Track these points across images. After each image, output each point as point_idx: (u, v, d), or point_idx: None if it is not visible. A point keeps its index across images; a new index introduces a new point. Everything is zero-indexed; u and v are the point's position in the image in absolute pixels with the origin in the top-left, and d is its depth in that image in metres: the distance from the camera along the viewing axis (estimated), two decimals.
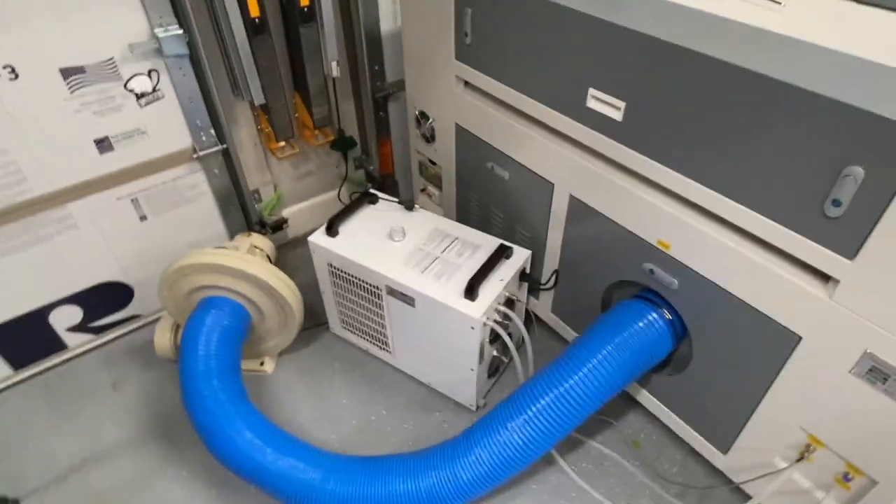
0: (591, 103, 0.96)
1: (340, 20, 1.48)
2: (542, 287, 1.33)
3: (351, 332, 1.46)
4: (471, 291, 1.14)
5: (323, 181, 1.75)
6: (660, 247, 0.97)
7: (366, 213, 1.37)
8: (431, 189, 1.59)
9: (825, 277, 0.77)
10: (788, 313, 0.82)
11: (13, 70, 1.10)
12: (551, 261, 1.26)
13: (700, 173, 0.85)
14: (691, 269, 0.93)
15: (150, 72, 1.25)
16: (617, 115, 0.93)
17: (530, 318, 1.41)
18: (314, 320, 1.51)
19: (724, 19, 0.81)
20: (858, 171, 0.67)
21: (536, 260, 1.29)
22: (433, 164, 1.51)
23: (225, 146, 1.41)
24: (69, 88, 1.17)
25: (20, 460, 1.27)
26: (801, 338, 0.82)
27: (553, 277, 1.27)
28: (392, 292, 1.23)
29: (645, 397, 1.18)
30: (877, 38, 0.79)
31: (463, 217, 1.50)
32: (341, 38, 1.51)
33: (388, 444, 1.28)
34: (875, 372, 0.75)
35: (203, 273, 1.26)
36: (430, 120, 1.42)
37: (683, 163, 0.87)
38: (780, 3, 0.90)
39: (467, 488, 1.06)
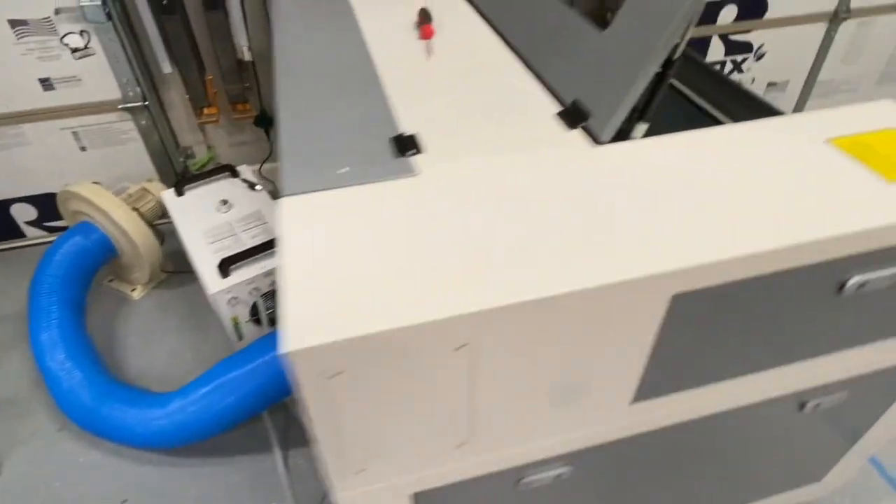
0: None
1: (262, 8, 1.64)
2: None
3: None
4: (221, 268, 1.26)
5: (258, 152, 1.94)
6: None
7: (220, 184, 1.54)
8: None
9: None
10: None
11: None
12: None
13: None
14: None
15: (81, 31, 1.54)
16: None
17: None
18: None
19: None
20: None
21: None
22: None
23: (147, 103, 1.67)
24: (16, 35, 1.51)
25: None
26: None
27: None
28: (188, 252, 1.39)
29: None
30: None
31: None
32: (262, 24, 1.67)
33: (168, 382, 1.46)
34: None
35: (79, 200, 1.54)
36: None
37: None
38: None
39: (160, 435, 1.20)
